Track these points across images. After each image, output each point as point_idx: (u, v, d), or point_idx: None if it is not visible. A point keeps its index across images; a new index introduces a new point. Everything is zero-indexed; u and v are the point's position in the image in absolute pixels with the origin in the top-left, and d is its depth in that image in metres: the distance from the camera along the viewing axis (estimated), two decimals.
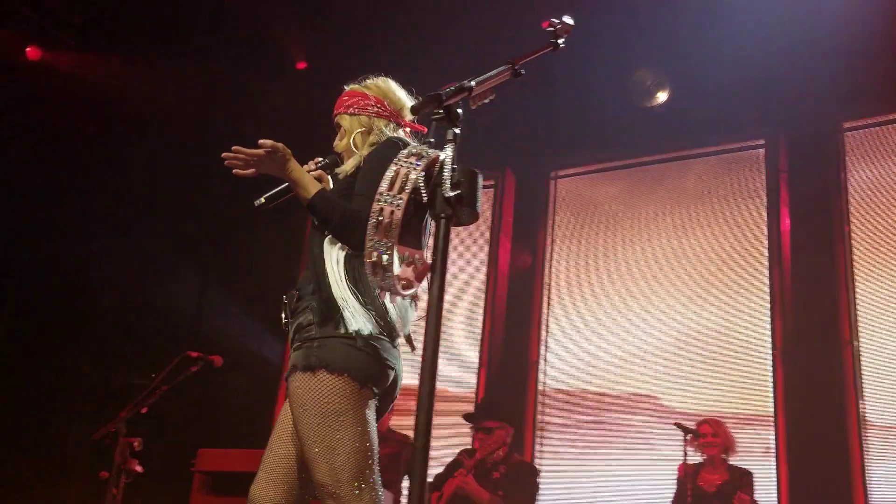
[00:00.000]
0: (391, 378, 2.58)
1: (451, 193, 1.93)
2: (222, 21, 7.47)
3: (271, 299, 7.97)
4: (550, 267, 7.46)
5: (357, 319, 2.47)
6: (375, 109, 2.90)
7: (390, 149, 2.55)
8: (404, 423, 6.97)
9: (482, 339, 7.32)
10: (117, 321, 7.90)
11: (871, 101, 6.65)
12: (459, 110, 2.00)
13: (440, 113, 1.98)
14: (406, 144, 2.66)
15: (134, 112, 7.70)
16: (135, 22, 7.45)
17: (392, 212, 1.98)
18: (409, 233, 2.04)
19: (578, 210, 7.57)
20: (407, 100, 2.98)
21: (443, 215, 1.94)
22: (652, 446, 6.42)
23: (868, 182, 6.56)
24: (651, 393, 6.70)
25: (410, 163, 2.00)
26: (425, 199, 2.00)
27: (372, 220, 1.98)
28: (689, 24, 6.42)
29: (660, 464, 5.86)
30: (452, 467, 5.80)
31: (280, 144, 2.61)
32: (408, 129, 2.93)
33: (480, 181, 2.00)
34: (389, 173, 2.00)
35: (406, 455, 5.91)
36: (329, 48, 7.66)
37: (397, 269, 2.06)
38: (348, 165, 2.79)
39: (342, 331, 2.48)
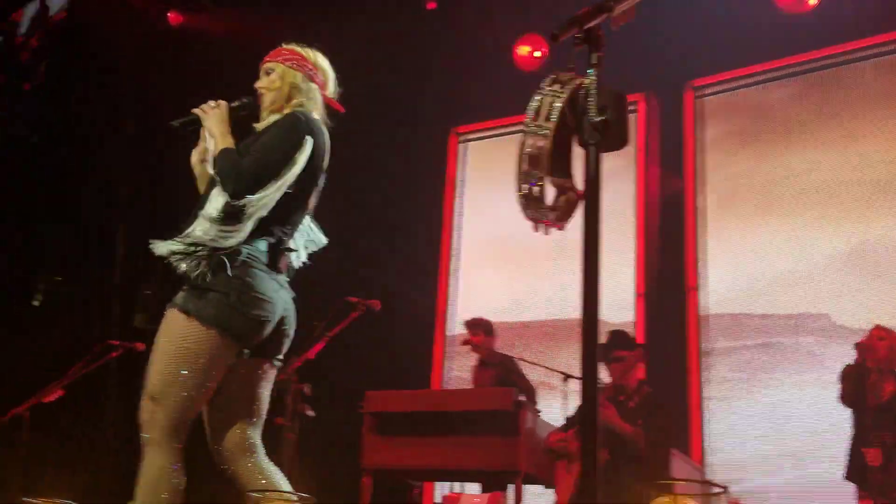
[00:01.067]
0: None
1: (598, 119, 1.89)
2: None
3: (420, 241, 8.10)
4: (703, 188, 7.22)
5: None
6: (311, 73, 3.12)
7: (293, 128, 2.92)
8: (562, 355, 6.99)
9: (636, 268, 7.20)
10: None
11: None
12: (601, 32, 1.94)
13: (581, 36, 1.92)
14: (311, 121, 2.99)
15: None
16: None
17: (540, 142, 1.94)
18: (558, 162, 2.00)
19: (726, 125, 7.26)
20: (332, 76, 3.22)
21: (591, 142, 1.90)
22: (824, 368, 6.17)
23: None
24: (820, 312, 6.43)
25: (554, 90, 1.95)
26: (572, 126, 1.95)
27: (520, 152, 1.95)
28: None
29: (831, 388, 5.62)
30: None
31: (223, 102, 3.02)
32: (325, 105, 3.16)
33: (627, 104, 1.95)
34: (534, 103, 1.96)
35: None
36: None
37: (549, 200, 2.03)
38: (268, 117, 3.06)
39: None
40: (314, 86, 3.11)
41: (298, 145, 2.91)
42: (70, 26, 7.94)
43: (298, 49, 3.16)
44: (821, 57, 6.90)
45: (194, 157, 3.12)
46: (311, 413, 5.22)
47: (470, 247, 8.21)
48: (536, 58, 7.83)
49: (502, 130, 8.13)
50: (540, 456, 5.36)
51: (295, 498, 2.47)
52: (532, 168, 1.94)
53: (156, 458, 2.68)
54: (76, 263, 8.26)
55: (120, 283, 8.05)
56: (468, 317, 6.89)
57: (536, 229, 2.10)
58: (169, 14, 8.10)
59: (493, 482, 5.68)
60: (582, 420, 1.87)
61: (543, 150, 1.93)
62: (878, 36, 6.66)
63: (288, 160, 2.88)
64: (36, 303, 9.35)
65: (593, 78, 1.90)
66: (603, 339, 6.44)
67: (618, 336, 5.84)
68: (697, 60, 7.17)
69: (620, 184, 7.28)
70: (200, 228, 2.78)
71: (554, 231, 2.32)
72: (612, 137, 1.92)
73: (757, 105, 7.18)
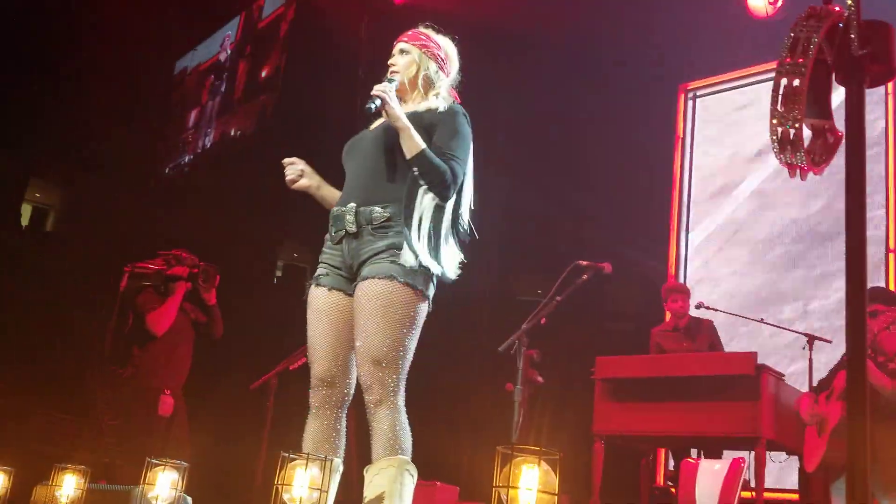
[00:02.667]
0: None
1: (861, 52, 1.75)
2: None
3: (648, 201, 7.91)
4: None
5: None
6: (442, 63, 3.17)
7: (467, 128, 3.06)
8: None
9: (886, 223, 6.70)
10: (503, 238, 8.32)
11: None
12: None
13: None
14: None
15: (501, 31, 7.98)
16: None
17: (795, 80, 1.83)
18: (815, 102, 1.87)
19: None
20: (457, 66, 3.24)
21: (852, 78, 1.77)
22: None
23: None
24: None
25: (810, 25, 1.83)
26: (830, 62, 1.83)
27: (773, 93, 1.84)
28: None
29: None
30: (840, 365, 5.40)
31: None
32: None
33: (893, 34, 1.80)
34: (787, 41, 1.85)
35: None
36: None
37: (806, 143, 1.91)
38: (418, 103, 3.12)
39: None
40: (443, 75, 3.18)
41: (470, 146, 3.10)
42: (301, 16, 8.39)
43: (434, 35, 3.22)
44: None
45: (309, 183, 3.29)
46: (540, 379, 5.24)
47: (700, 205, 7.96)
48: (770, 3, 7.41)
49: (733, 83, 7.80)
50: (784, 421, 5.13)
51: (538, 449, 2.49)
52: (787, 109, 1.83)
53: (389, 416, 2.82)
54: (318, 241, 8.73)
55: None
56: (697, 280, 6.72)
57: (792, 175, 1.98)
58: None
59: (733, 448, 5.51)
60: (849, 386, 1.75)
61: (800, 88, 1.82)
62: None
63: (468, 160, 3.08)
64: (278, 274, 10.01)
65: (853, 8, 1.77)
66: None
67: (875, 291, 5.46)
68: None
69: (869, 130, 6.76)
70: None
71: (796, 179, 2.19)
72: (875, 71, 1.78)
73: None
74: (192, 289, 5.58)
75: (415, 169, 2.92)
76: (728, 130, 7.84)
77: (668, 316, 6.79)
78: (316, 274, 3.06)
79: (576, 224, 7.78)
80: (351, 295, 2.96)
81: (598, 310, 7.45)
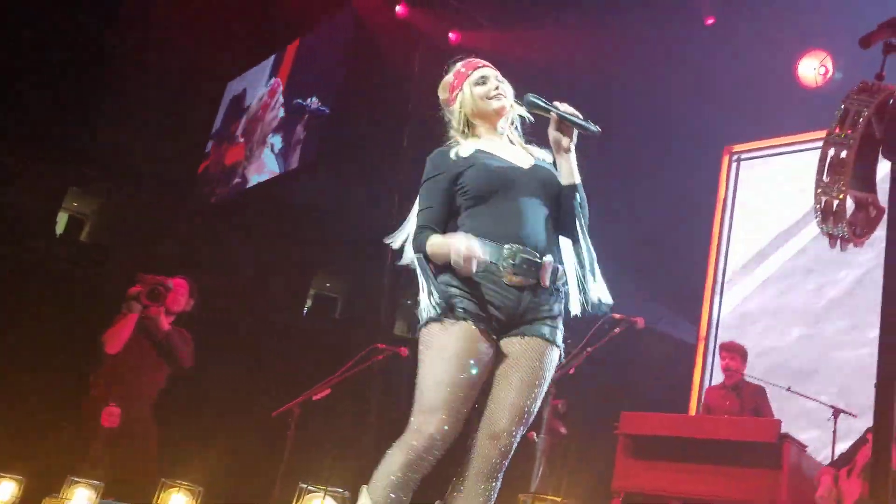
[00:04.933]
0: None
1: None
2: None
3: (687, 260, 7.87)
4: None
5: None
6: None
7: None
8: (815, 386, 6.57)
9: None
10: None
11: None
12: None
13: (894, 43, 1.82)
14: None
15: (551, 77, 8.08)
16: None
17: (843, 152, 1.84)
18: (860, 175, 1.88)
19: None
20: None
21: None
22: None
23: None
24: None
25: (861, 99, 1.85)
26: (878, 137, 1.84)
27: (820, 164, 1.86)
28: None
29: None
30: (863, 439, 5.32)
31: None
32: None
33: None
34: (839, 112, 1.87)
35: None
36: (737, 5, 7.45)
37: (849, 214, 1.92)
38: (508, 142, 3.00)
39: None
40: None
41: None
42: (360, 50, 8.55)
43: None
44: None
45: None
46: (563, 430, 5.22)
47: (737, 269, 7.92)
48: (820, 74, 7.44)
49: (779, 150, 7.80)
50: (803, 492, 5.05)
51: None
52: (833, 179, 1.85)
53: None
54: (350, 272, 8.79)
55: (388, 291, 8.47)
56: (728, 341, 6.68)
57: (833, 245, 1.99)
58: (450, 34, 8.55)
59: None
60: (873, 467, 1.74)
61: (846, 160, 1.84)
62: None
63: None
64: (306, 309, 10.08)
65: None
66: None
67: None
68: None
69: None
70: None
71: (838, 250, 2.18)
72: None
73: None
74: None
75: (577, 196, 2.85)
76: (771, 196, 7.81)
77: None
78: (466, 307, 2.68)
79: (613, 277, 7.77)
80: (495, 341, 2.72)
81: (628, 364, 7.40)
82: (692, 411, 7.41)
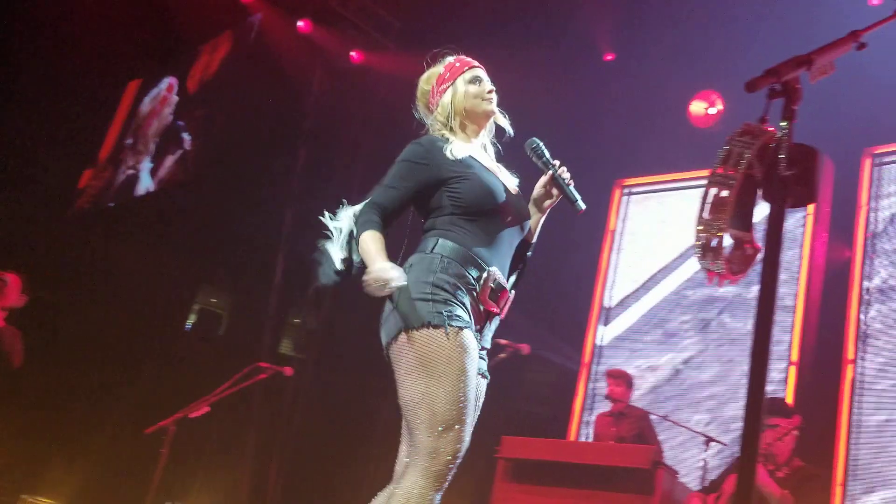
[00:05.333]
0: None
1: (787, 173, 1.84)
2: (534, 14, 7.72)
3: (579, 288, 8.01)
4: (871, 262, 6.87)
5: None
6: None
7: None
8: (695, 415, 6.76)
9: (792, 336, 6.92)
10: None
11: None
12: (798, 85, 1.90)
13: (777, 88, 1.89)
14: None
15: None
16: (448, 20, 7.87)
17: (724, 192, 1.90)
18: (739, 214, 1.95)
19: None
20: None
21: (776, 197, 1.85)
22: None
23: None
24: None
25: (744, 141, 1.91)
26: (758, 179, 1.91)
27: (702, 201, 1.92)
28: None
29: None
30: (731, 467, 5.52)
31: None
32: None
33: (821, 161, 1.89)
34: (722, 152, 1.93)
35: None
36: (636, 43, 7.68)
37: (727, 252, 1.98)
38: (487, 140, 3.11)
39: None
40: None
41: None
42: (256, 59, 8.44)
43: None
44: None
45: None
46: None
47: (622, 298, 8.11)
48: (710, 115, 7.74)
49: (668, 185, 8.03)
50: None
51: None
52: (713, 217, 1.90)
53: None
54: (237, 288, 8.61)
55: (275, 309, 8.34)
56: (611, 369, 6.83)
57: (710, 281, 2.05)
58: (352, 53, 8.52)
59: None
60: (738, 492, 1.79)
61: (727, 200, 1.89)
62: None
63: None
64: (189, 324, 9.83)
65: (786, 131, 1.86)
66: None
67: (775, 403, 5.60)
68: (878, 127, 6.86)
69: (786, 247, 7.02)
70: None
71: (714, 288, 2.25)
72: (799, 193, 1.87)
73: None
74: None
75: (530, 252, 2.97)
76: (658, 230, 8.03)
77: None
78: (461, 315, 2.59)
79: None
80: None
81: (512, 390, 7.47)
82: (572, 437, 7.52)
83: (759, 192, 1.92)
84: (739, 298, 7.24)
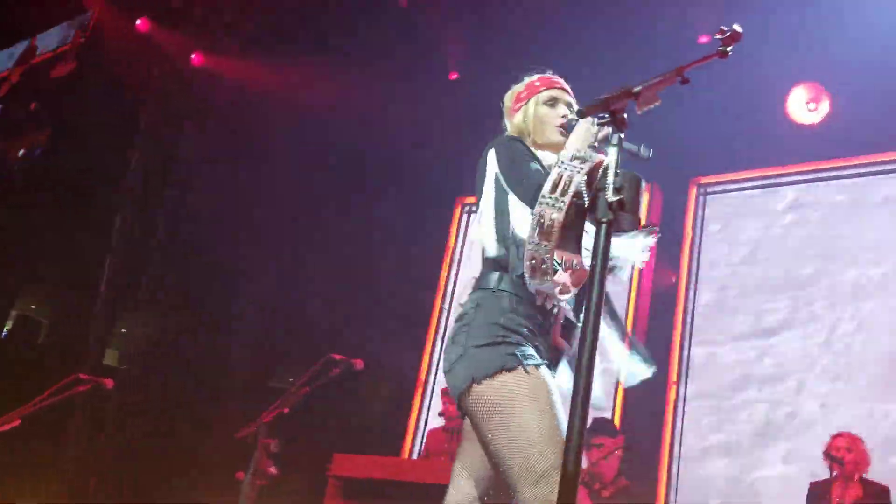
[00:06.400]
0: None
1: (614, 198, 1.90)
2: (382, 30, 7.72)
3: (416, 307, 8.03)
4: (696, 288, 7.22)
5: None
6: None
7: None
8: None
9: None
10: (263, 325, 8.18)
11: None
12: (625, 115, 1.97)
13: (605, 117, 1.95)
14: None
15: (291, 116, 8.03)
16: (293, 29, 7.77)
17: (554, 214, 1.94)
18: (568, 237, 1.99)
19: (729, 226, 7.29)
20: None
21: (604, 220, 1.91)
22: None
23: None
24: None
25: (574, 166, 1.96)
26: (587, 203, 1.96)
27: (533, 223, 1.94)
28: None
29: None
30: None
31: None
32: None
33: (643, 188, 1.97)
34: (553, 176, 1.97)
35: None
36: (482, 62, 7.80)
37: (556, 273, 2.02)
38: None
39: None
40: None
41: None
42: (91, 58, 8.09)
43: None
44: (827, 168, 6.97)
45: None
46: (273, 471, 5.08)
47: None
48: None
49: None
50: None
51: None
52: (543, 239, 1.94)
53: None
54: (59, 296, 8.19)
55: (100, 318, 7.96)
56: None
57: (539, 301, 2.09)
58: (193, 55, 8.28)
59: None
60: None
61: (556, 222, 1.93)
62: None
63: None
64: (5, 331, 9.27)
65: (613, 157, 1.92)
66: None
67: (600, 423, 5.78)
68: (706, 157, 7.16)
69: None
70: None
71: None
72: (624, 218, 1.93)
73: (761, 209, 7.18)
74: None
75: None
76: None
77: None
78: (535, 354, 2.36)
79: (337, 319, 7.78)
80: None
81: (347, 406, 7.40)
82: (406, 454, 7.52)
83: (587, 217, 1.98)
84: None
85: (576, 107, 2.60)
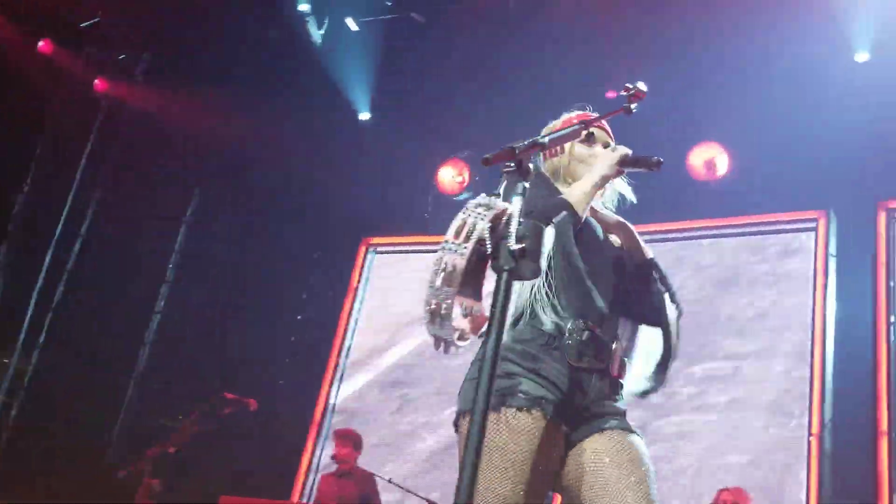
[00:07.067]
0: None
1: (516, 247, 1.90)
2: (293, 67, 7.68)
3: (315, 347, 7.92)
4: None
5: None
6: None
7: None
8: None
9: None
10: (153, 360, 7.94)
11: None
12: (531, 164, 1.99)
13: (511, 166, 1.97)
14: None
15: (194, 146, 7.92)
16: (200, 59, 7.69)
17: (456, 260, 1.93)
18: (469, 283, 1.99)
19: None
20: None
21: (504, 268, 1.91)
22: None
23: None
24: None
25: (478, 212, 1.96)
26: (489, 250, 1.96)
27: (434, 268, 1.93)
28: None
29: None
30: None
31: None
32: None
33: (548, 237, 1.98)
34: (457, 222, 1.96)
35: None
36: (393, 105, 7.85)
37: (455, 319, 2.01)
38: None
39: None
40: None
41: None
42: None
43: None
44: None
45: None
46: None
47: (359, 357, 8.09)
48: (458, 182, 8.02)
49: (413, 247, 8.18)
50: None
51: None
52: (444, 285, 1.93)
53: None
54: None
55: None
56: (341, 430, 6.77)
57: (437, 347, 2.07)
58: (97, 81, 8.09)
59: None
60: None
61: (458, 268, 1.93)
62: None
63: None
64: None
65: (517, 206, 1.93)
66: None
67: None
68: (894, 181, 6.61)
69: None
70: None
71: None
72: (526, 266, 1.93)
73: None
74: None
75: (657, 271, 2.46)
76: (401, 290, 8.12)
77: None
78: (528, 391, 2.26)
79: (231, 357, 7.61)
80: (569, 435, 2.30)
81: (237, 446, 7.20)
82: (296, 496, 7.35)
83: (489, 264, 1.98)
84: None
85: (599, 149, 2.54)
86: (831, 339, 6.40)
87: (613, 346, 2.36)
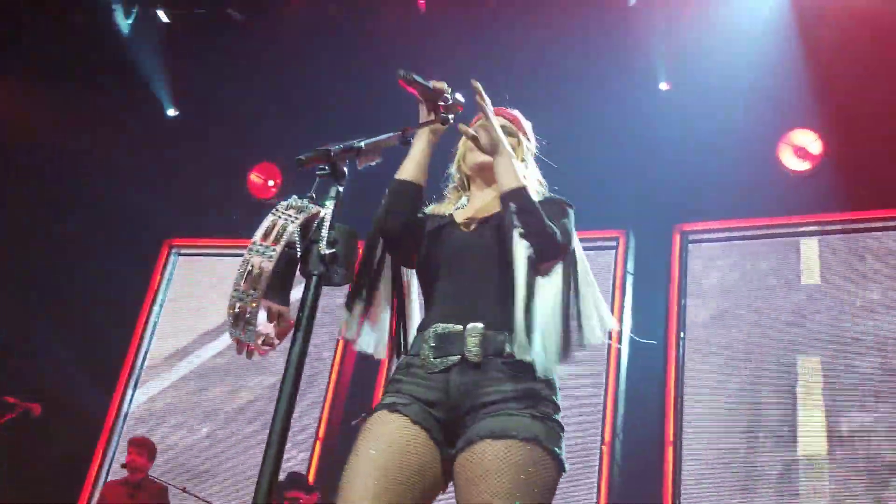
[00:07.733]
0: None
1: (327, 251, 1.87)
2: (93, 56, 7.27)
3: (103, 343, 7.58)
4: None
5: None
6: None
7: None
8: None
9: (322, 409, 7.14)
10: None
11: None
12: (345, 168, 1.96)
13: (325, 169, 1.94)
14: None
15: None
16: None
17: (263, 263, 1.88)
18: (276, 287, 1.93)
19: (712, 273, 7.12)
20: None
21: (314, 272, 1.88)
22: None
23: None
24: None
25: (289, 215, 1.91)
26: (299, 254, 1.91)
27: (240, 270, 1.87)
28: None
29: None
30: None
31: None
32: None
33: (358, 243, 1.96)
34: (266, 223, 1.90)
35: None
36: (204, 103, 7.64)
37: (260, 324, 1.95)
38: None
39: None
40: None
41: None
42: None
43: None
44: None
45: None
46: None
47: (156, 363, 7.77)
48: (269, 187, 7.88)
49: (220, 251, 7.94)
50: None
51: None
52: (249, 288, 1.86)
53: None
54: None
55: None
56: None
57: (240, 351, 2.00)
58: None
59: None
60: None
61: (264, 271, 1.87)
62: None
63: None
64: None
65: (330, 210, 1.90)
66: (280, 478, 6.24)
67: (295, 477, 5.70)
68: (689, 205, 6.97)
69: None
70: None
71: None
72: (336, 272, 1.91)
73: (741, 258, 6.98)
74: None
75: (512, 205, 2.26)
76: (204, 295, 7.88)
77: None
78: (389, 402, 2.26)
79: (13, 358, 7.12)
80: (438, 440, 2.21)
81: (26, 454, 6.75)
82: None
83: (298, 268, 1.94)
84: (279, 370, 7.33)
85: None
86: (625, 352, 6.73)
87: (474, 326, 2.25)
